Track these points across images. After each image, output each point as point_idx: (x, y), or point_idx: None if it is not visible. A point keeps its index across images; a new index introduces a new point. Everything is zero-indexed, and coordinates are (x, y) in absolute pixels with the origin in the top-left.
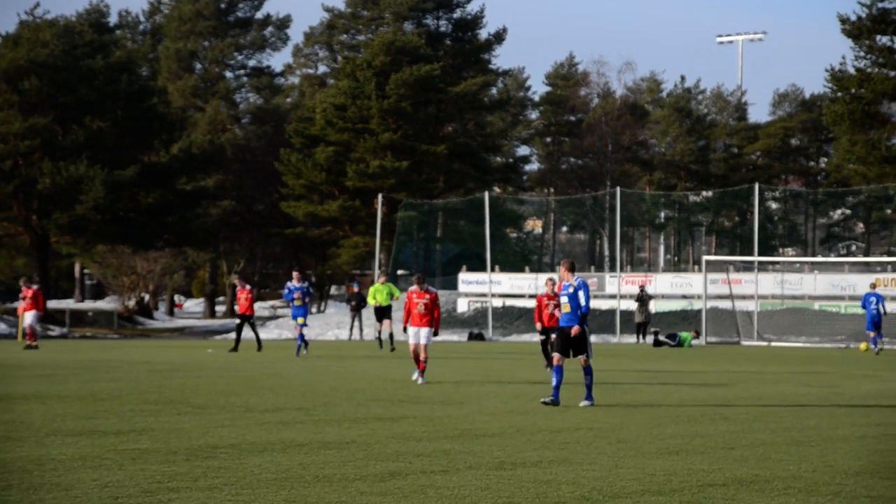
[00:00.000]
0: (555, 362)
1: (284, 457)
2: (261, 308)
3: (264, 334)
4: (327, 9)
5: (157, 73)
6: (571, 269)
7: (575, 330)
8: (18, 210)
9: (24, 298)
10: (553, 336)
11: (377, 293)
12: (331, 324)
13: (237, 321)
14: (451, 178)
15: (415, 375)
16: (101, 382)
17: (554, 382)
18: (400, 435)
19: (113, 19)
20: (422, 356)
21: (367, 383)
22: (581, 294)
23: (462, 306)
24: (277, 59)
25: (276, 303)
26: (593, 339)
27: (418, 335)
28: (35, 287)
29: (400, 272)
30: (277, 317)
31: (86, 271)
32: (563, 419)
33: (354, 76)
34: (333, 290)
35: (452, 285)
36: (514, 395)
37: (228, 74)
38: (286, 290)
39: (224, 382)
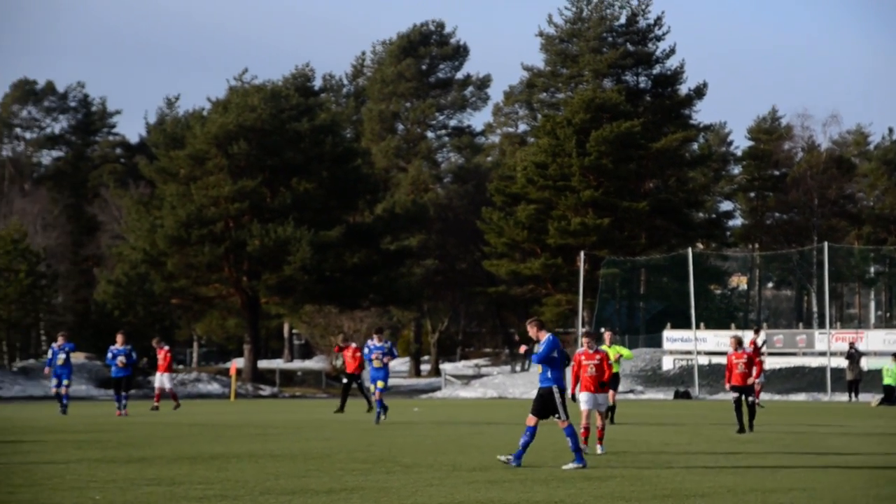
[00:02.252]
0: (527, 423)
1: None
2: (465, 367)
3: (468, 392)
4: (526, 67)
5: (360, 135)
6: (542, 328)
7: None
8: (229, 272)
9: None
10: (744, 395)
11: None
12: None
13: (344, 381)
14: (653, 235)
15: (599, 450)
16: (312, 441)
17: (521, 442)
18: (608, 494)
19: (318, 83)
20: (598, 423)
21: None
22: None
23: (667, 364)
24: (478, 119)
25: (480, 361)
26: (802, 396)
27: (592, 401)
28: (167, 348)
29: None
30: (481, 375)
31: (294, 331)
32: (774, 479)
33: (555, 134)
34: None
35: (657, 343)
36: (724, 452)
37: (430, 134)
38: (366, 350)
39: (430, 441)
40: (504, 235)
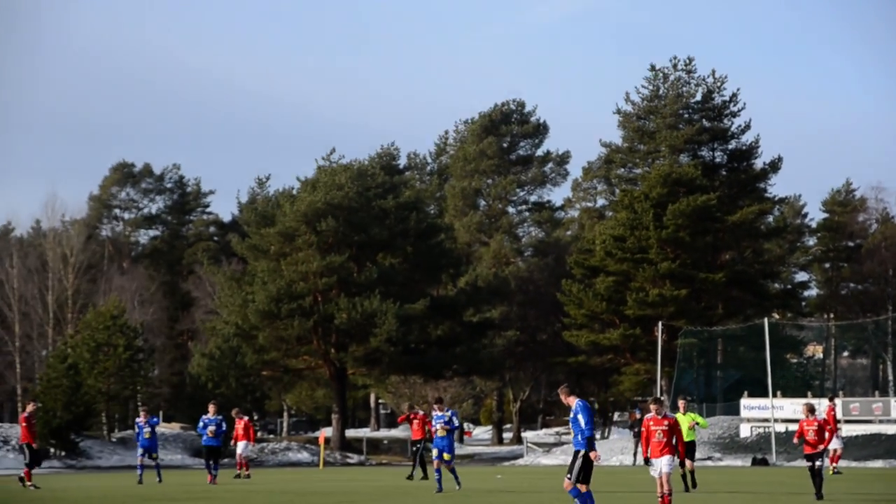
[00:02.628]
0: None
1: None
2: (546, 435)
3: (549, 460)
4: (605, 144)
5: (443, 211)
6: (571, 393)
7: (594, 455)
8: (318, 344)
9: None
10: (815, 462)
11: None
12: (615, 450)
13: (413, 448)
14: (729, 305)
15: None
16: None
17: None
18: None
19: (402, 161)
20: (665, 487)
21: None
22: (580, 417)
23: (745, 431)
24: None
25: (561, 429)
26: (879, 463)
27: (660, 465)
28: (246, 418)
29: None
30: (562, 443)
31: (380, 401)
32: None
33: (633, 208)
34: (616, 416)
35: (734, 411)
36: None
37: (511, 210)
38: (434, 418)
39: None
40: (583, 307)
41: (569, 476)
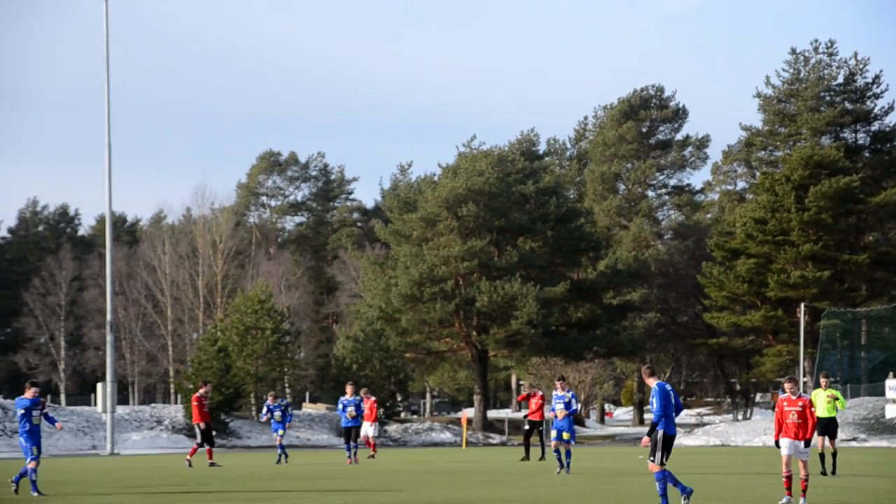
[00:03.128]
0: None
1: None
2: (687, 416)
3: (691, 440)
4: (745, 127)
5: (583, 195)
6: (652, 375)
7: (643, 441)
8: (460, 327)
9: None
10: None
11: (814, 399)
12: (757, 430)
13: (526, 427)
14: (873, 287)
15: (783, 501)
16: (539, 487)
17: (658, 490)
18: None
19: (542, 147)
20: (802, 473)
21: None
22: (654, 400)
23: (890, 412)
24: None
25: (702, 410)
26: None
27: (793, 448)
28: (373, 399)
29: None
30: (704, 423)
31: (521, 382)
32: None
33: (773, 190)
34: (759, 397)
35: (879, 392)
36: None
37: (650, 194)
38: (553, 400)
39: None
40: (724, 289)
41: (651, 458)
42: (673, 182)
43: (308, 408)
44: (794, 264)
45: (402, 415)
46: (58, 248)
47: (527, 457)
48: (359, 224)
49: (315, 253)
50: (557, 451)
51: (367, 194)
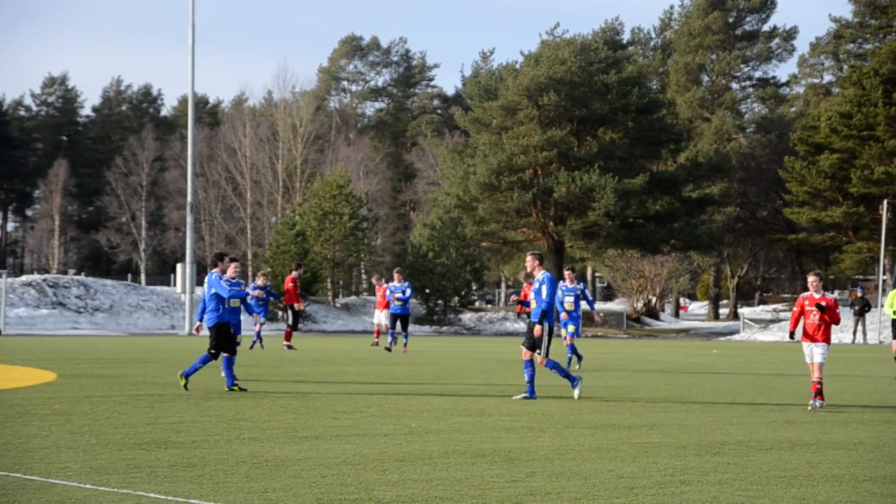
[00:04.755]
0: (524, 357)
1: (792, 455)
2: (763, 312)
3: (766, 336)
4: (834, 19)
5: (665, 86)
6: (541, 263)
7: (536, 329)
8: (537, 217)
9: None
10: None
11: (892, 299)
12: (833, 328)
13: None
14: None
15: (812, 402)
16: (613, 379)
17: (526, 378)
18: None
19: (626, 36)
20: (814, 375)
21: (868, 385)
22: (544, 289)
23: None
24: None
25: (778, 306)
26: None
27: (811, 352)
28: (386, 286)
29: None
30: (780, 320)
31: (597, 274)
32: None
33: (861, 84)
34: (836, 294)
35: None
36: None
37: (734, 86)
38: (559, 292)
39: (730, 381)
40: (806, 184)
41: (539, 352)
42: (758, 74)
43: None
44: (879, 160)
45: (477, 304)
46: (140, 127)
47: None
48: (438, 111)
49: (394, 139)
50: (572, 346)
51: (447, 81)
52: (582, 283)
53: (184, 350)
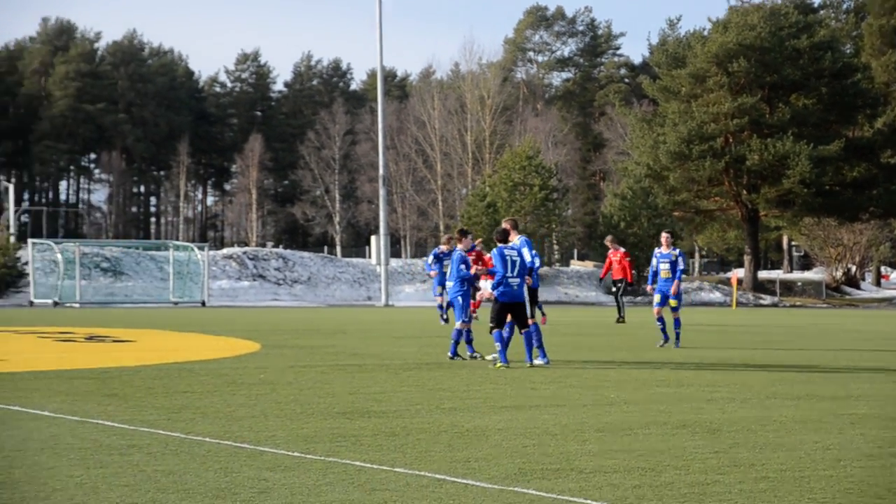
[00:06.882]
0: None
1: None
2: None
3: None
4: None
5: (860, 50)
6: (515, 227)
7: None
8: (729, 185)
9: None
10: None
11: None
12: None
13: (614, 290)
14: None
15: None
16: (815, 350)
17: (535, 343)
18: None
19: (817, 0)
20: None
21: None
22: (526, 251)
23: None
24: None
25: None
26: None
27: None
28: (488, 256)
29: None
30: None
31: (793, 243)
32: None
33: None
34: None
35: None
36: None
37: None
38: (653, 260)
39: None
40: None
41: (532, 315)
42: None
43: (576, 265)
44: None
45: None
46: (331, 101)
47: (621, 317)
48: (626, 80)
49: (582, 109)
50: (661, 318)
51: (634, 50)
52: (679, 250)
53: (381, 321)
